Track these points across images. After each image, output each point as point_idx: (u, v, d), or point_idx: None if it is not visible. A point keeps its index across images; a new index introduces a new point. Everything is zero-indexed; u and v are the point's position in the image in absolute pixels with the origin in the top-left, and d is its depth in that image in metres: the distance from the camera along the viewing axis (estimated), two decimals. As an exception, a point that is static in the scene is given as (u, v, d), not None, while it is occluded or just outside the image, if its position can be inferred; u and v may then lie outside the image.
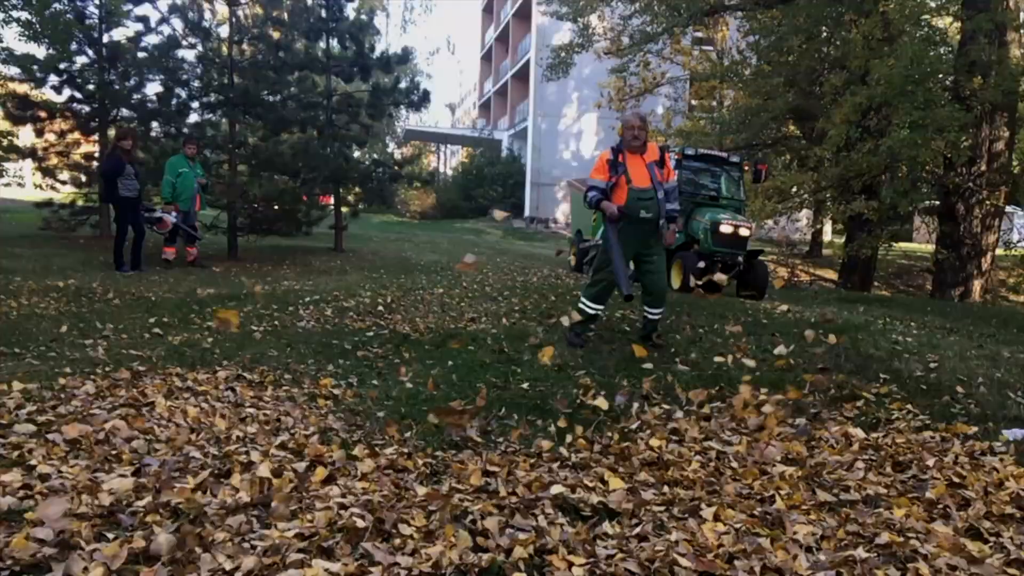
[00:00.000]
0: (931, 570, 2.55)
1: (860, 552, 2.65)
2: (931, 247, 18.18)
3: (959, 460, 3.65)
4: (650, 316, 6.34)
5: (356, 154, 18.49)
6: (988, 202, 14.29)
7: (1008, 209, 16.64)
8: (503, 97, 43.81)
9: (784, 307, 8.14)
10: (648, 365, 5.59)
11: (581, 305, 6.32)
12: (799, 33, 16.89)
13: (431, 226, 30.37)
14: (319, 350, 6.05)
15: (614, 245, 6.16)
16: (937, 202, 15.71)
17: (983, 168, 14.06)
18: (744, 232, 11.00)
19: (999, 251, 16.22)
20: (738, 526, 2.86)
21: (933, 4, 15.34)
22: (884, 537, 2.77)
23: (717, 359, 5.73)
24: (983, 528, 2.94)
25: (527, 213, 34.37)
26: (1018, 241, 19.36)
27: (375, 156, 26.56)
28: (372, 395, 4.85)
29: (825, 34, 17.53)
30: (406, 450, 3.78)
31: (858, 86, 14.27)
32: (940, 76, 14.53)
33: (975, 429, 4.11)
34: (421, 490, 3.03)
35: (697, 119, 25.15)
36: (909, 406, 4.59)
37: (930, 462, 3.57)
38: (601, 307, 6.34)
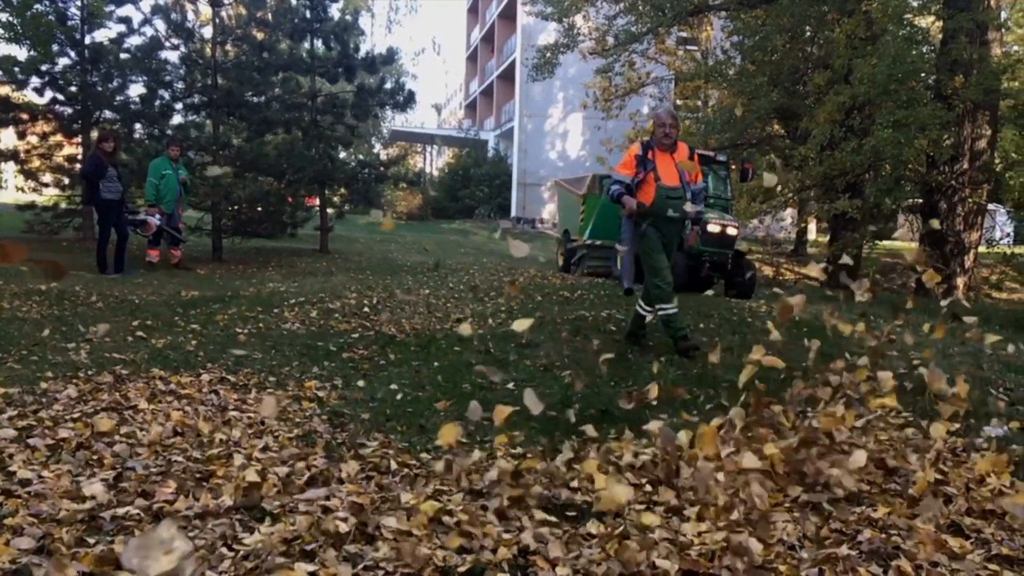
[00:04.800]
0: (913, 567, 2.56)
1: (843, 550, 2.66)
2: (915, 245, 18.28)
3: (941, 457, 3.67)
4: (643, 313, 6.33)
5: (341, 155, 18.45)
6: (971, 200, 14.39)
7: (990, 207, 16.77)
8: (489, 97, 43.81)
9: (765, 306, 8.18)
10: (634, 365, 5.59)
11: (661, 313, 6.12)
12: (783, 33, 16.97)
13: (417, 227, 30.32)
14: (304, 352, 6.03)
15: (627, 239, 6.14)
16: (920, 200, 15.81)
17: (965, 166, 14.17)
18: (732, 231, 11.05)
19: (982, 248, 16.34)
20: (721, 525, 2.87)
21: (915, 3, 15.43)
22: (866, 534, 2.78)
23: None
24: (964, 524, 2.96)
25: (514, 213, 34.38)
26: (1000, 239, 19.51)
27: (360, 157, 26.49)
28: (357, 397, 4.84)
29: (808, 33, 17.62)
30: (390, 452, 3.77)
31: (841, 85, 14.35)
32: (922, 75, 14.61)
33: (957, 426, 4.13)
34: (405, 493, 3.02)
35: (682, 119, 25.22)
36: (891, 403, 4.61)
37: (912, 459, 3.59)
38: (672, 305, 6.10)
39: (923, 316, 8.62)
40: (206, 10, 14.04)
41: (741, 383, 3.56)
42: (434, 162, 51.42)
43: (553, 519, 2.91)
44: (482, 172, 36.42)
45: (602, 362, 4.03)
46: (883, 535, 2.80)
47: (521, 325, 3.10)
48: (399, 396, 4.92)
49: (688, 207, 5.99)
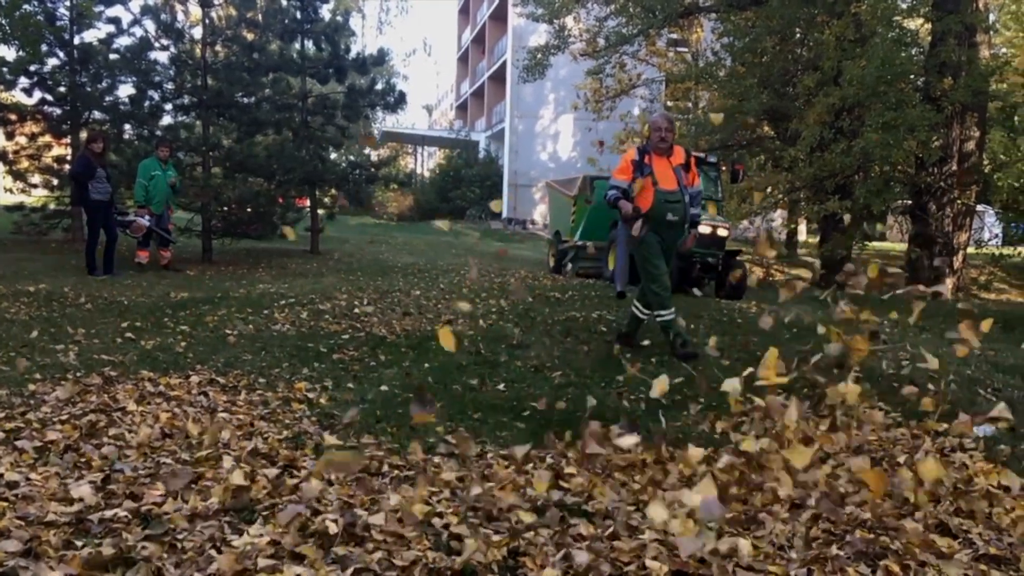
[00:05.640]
0: (901, 566, 2.57)
1: (832, 550, 2.67)
2: (904, 246, 18.38)
3: (929, 456, 3.68)
4: (641, 316, 6.32)
5: (332, 156, 18.40)
6: (959, 201, 14.46)
7: (979, 208, 16.85)
8: (480, 98, 43.80)
9: (753, 308, 8.19)
10: (625, 365, 5.58)
11: (659, 319, 6.09)
12: (772, 34, 17.01)
13: (408, 228, 30.29)
14: (294, 353, 6.01)
15: (621, 243, 6.12)
16: (910, 201, 15.88)
17: (954, 168, 14.23)
18: (722, 232, 11.07)
19: (970, 249, 16.42)
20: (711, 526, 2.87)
21: (904, 5, 15.50)
22: (855, 535, 2.79)
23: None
24: (952, 524, 2.97)
25: (505, 214, 34.37)
26: (989, 239, 19.62)
27: (351, 158, 26.42)
28: (347, 398, 4.83)
29: (798, 35, 17.67)
30: (380, 453, 3.76)
31: (831, 87, 14.40)
32: (911, 77, 14.69)
33: (945, 426, 4.15)
34: (394, 495, 3.02)
35: (673, 120, 25.20)
36: (881, 403, 4.63)
37: (901, 459, 3.60)
38: (669, 311, 6.04)
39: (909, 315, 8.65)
40: (196, 11, 13.99)
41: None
42: (425, 163, 51.38)
43: (542, 520, 2.91)
44: (473, 173, 36.39)
45: (634, 371, 4.00)
46: (872, 535, 2.81)
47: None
48: (389, 397, 4.92)
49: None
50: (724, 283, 11.17)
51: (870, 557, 2.65)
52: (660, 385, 3.19)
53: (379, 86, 16.18)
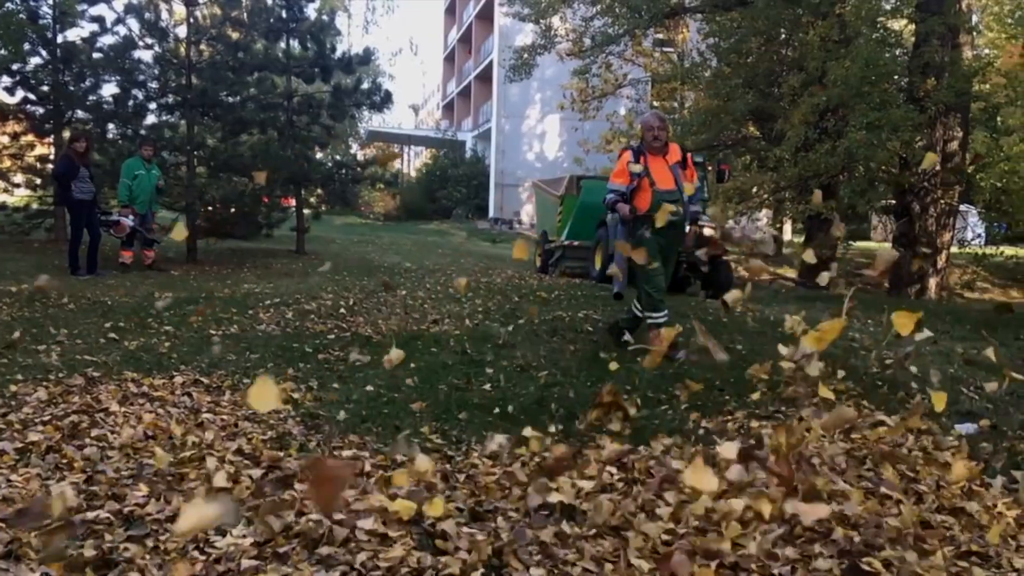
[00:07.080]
0: (883, 563, 2.58)
1: (815, 548, 2.68)
2: (888, 245, 18.48)
3: (912, 455, 3.71)
4: (640, 316, 6.30)
5: (318, 156, 18.35)
6: (943, 201, 14.55)
7: (962, 208, 16.98)
8: (466, 98, 43.79)
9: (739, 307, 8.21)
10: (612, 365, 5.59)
11: (650, 321, 6.00)
12: (758, 35, 17.06)
13: (395, 228, 30.23)
14: (279, 354, 5.99)
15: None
16: (894, 201, 15.98)
17: (937, 168, 14.32)
18: (708, 232, 11.08)
19: (954, 249, 16.54)
20: (696, 524, 2.88)
21: (888, 6, 15.59)
22: (839, 532, 2.80)
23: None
24: (935, 521, 2.99)
25: (491, 214, 34.37)
26: (972, 239, 19.79)
27: (337, 157, 26.34)
28: (332, 398, 4.81)
29: (783, 36, 17.73)
30: (365, 454, 3.75)
31: (815, 87, 14.46)
32: (895, 77, 14.77)
33: (928, 424, 4.18)
34: (379, 495, 3.01)
35: (665, 118, 25.22)
36: (864, 402, 4.66)
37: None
38: (662, 314, 5.98)
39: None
40: (180, 9, 13.92)
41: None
42: (412, 163, 51.30)
43: (527, 520, 2.91)
44: (460, 173, 36.38)
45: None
46: (855, 532, 2.82)
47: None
48: (374, 397, 4.91)
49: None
50: (710, 283, 11.20)
51: (853, 555, 2.66)
52: (668, 335, 3.07)
53: (365, 85, 16.14)
